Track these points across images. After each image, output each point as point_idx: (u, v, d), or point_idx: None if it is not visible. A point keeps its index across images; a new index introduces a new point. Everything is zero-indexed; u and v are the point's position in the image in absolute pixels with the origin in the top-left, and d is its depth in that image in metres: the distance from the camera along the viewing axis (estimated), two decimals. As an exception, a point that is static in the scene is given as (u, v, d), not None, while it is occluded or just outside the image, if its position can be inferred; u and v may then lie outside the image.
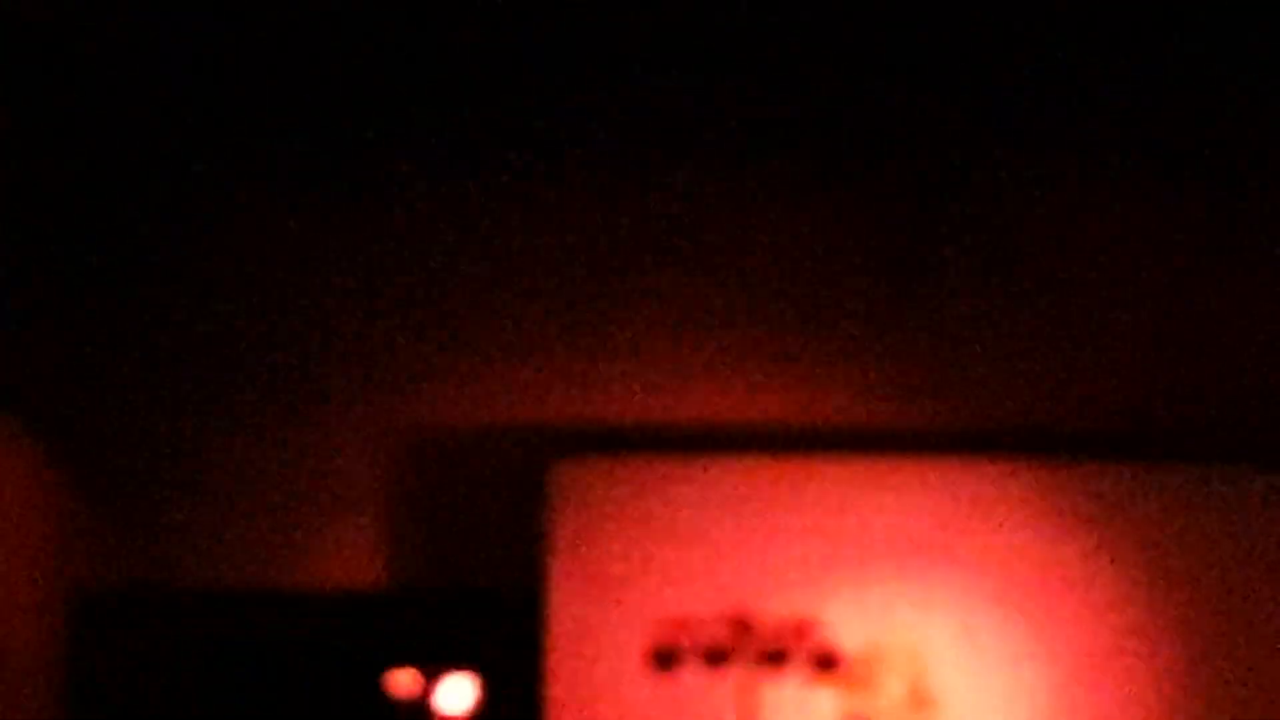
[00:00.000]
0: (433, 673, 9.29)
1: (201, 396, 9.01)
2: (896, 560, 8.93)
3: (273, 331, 8.93)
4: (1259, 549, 8.89)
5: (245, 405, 9.11)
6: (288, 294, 8.86)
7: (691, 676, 8.43)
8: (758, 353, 8.15)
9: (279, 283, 8.84)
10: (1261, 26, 6.91)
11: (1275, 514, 8.91)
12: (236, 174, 8.56)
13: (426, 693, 9.40)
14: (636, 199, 8.49)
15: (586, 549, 8.95)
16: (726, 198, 8.45)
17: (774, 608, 8.58)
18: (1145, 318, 6.78)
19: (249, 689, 9.31)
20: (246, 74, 8.21)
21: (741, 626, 8.40)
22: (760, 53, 7.88)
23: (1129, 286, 7.24)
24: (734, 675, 8.42)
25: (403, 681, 9.17)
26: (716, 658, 8.37)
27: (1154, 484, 8.95)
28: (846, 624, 8.68)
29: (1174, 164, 6.65)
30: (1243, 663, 8.85)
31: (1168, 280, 7.23)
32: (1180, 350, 6.83)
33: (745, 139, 8.19)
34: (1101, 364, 7.15)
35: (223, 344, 8.93)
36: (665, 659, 8.38)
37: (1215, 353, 6.82)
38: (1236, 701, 8.82)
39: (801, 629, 8.45)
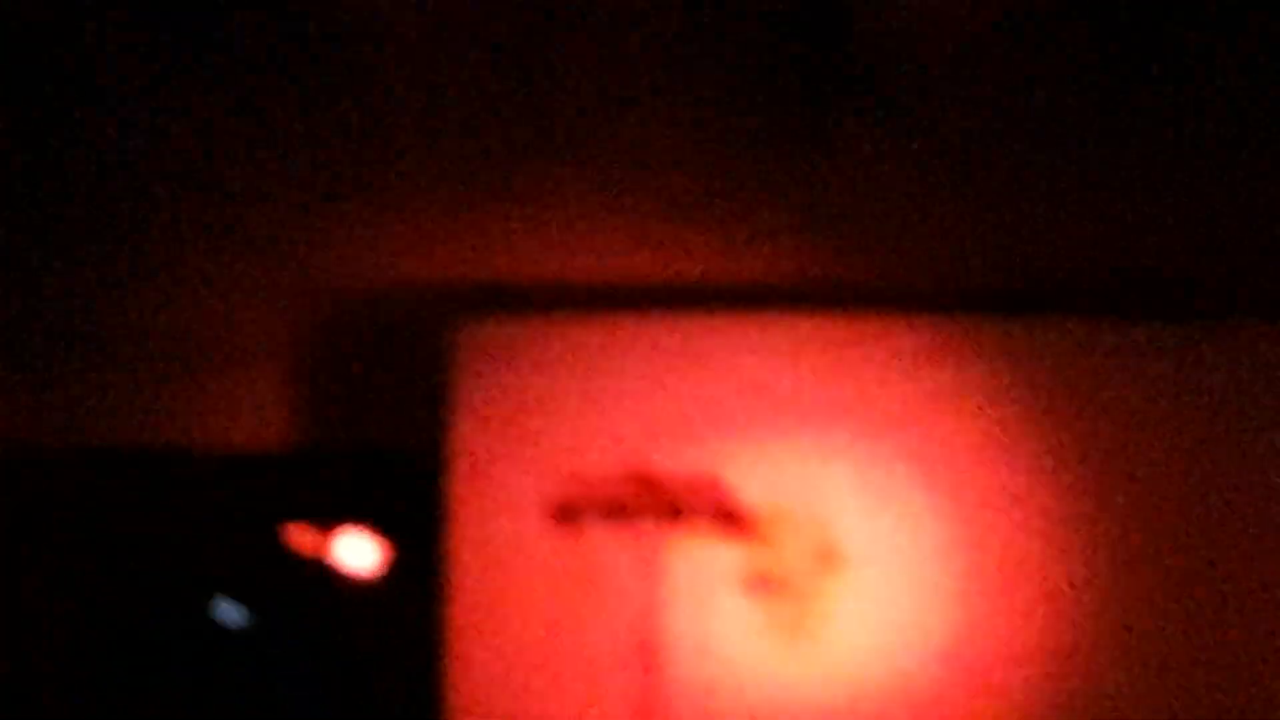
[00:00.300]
0: (335, 531, 9.30)
1: (100, 249, 8.89)
2: (800, 416, 8.94)
3: (175, 184, 8.79)
4: (1153, 400, 8.96)
5: (146, 260, 9.00)
6: (192, 146, 8.71)
7: (594, 533, 8.44)
8: (661, 211, 8.11)
9: (183, 135, 8.69)
10: None
11: (1168, 366, 8.98)
12: (133, 25, 8.39)
13: (328, 551, 9.41)
14: (540, 58, 8.38)
15: (490, 407, 8.93)
16: (629, 55, 8.36)
17: (677, 464, 8.58)
18: (1045, 173, 6.76)
19: (150, 548, 9.28)
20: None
21: (644, 483, 8.40)
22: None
23: (1030, 142, 7.21)
24: (637, 532, 8.43)
25: (305, 540, 9.17)
26: (619, 515, 8.38)
27: (1050, 337, 8.98)
28: (750, 481, 8.70)
29: (1078, 11, 6.60)
30: (1141, 510, 8.94)
31: (1069, 135, 7.19)
32: (1079, 204, 6.82)
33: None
34: (1001, 219, 7.13)
35: (123, 195, 8.79)
36: (568, 516, 8.39)
37: (1113, 207, 6.81)
38: (1135, 547, 8.90)
39: (704, 486, 8.46)
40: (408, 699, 9.13)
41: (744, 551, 8.77)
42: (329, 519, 9.33)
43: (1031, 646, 8.82)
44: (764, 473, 8.83)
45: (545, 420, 8.91)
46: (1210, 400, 8.96)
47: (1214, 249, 7.37)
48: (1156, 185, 6.44)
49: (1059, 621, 8.86)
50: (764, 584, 8.81)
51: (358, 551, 9.40)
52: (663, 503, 8.39)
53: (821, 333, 9.00)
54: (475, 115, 8.43)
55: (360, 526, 9.29)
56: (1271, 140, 6.63)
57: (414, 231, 8.44)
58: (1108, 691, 8.79)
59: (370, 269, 8.57)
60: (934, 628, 8.85)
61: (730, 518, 8.45)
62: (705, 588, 8.78)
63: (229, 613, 9.71)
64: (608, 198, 7.77)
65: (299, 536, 9.15)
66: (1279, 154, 6.40)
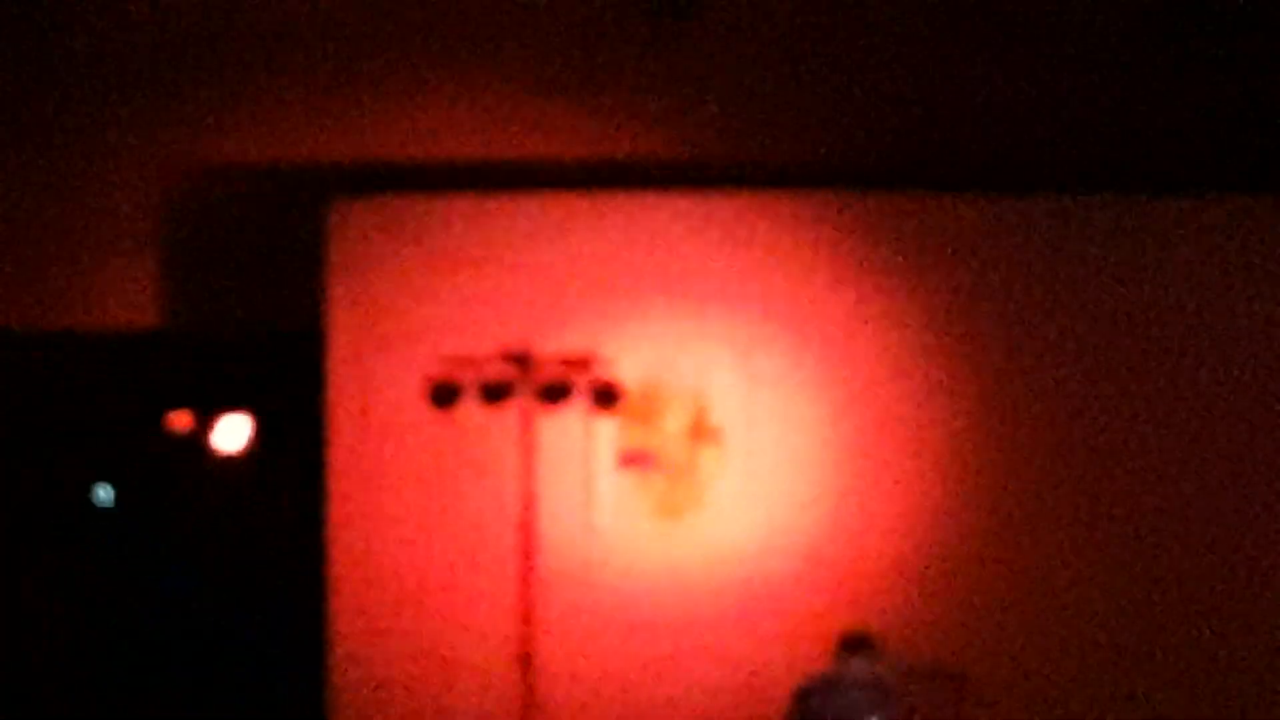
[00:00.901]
0: (210, 412, 9.27)
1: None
2: (677, 295, 8.97)
3: (46, 62, 8.65)
4: (1036, 277, 9.06)
5: (16, 139, 8.89)
6: (63, 23, 8.56)
7: (471, 412, 8.45)
8: (537, 92, 8.08)
9: (53, 11, 8.54)
10: None
11: (1042, 239, 9.07)
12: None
13: (204, 432, 9.38)
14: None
15: (366, 288, 8.90)
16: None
17: (554, 343, 8.59)
18: (910, 49, 6.77)
19: (27, 430, 9.22)
20: None
21: (521, 362, 8.41)
22: None
23: (901, 17, 7.22)
24: (514, 410, 8.45)
25: (180, 421, 9.14)
26: (496, 393, 8.40)
27: (929, 215, 9.06)
28: (627, 359, 8.73)
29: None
30: (1015, 378, 9.05)
31: (929, 19, 7.20)
32: (948, 82, 6.84)
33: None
34: (871, 96, 7.15)
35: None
36: (445, 395, 8.39)
37: (982, 84, 6.84)
38: (1009, 413, 9.04)
39: (581, 364, 8.48)
40: (287, 576, 9.15)
41: (620, 428, 8.82)
42: (206, 401, 9.30)
43: (907, 512, 8.96)
44: (640, 350, 8.87)
45: (422, 300, 8.89)
46: (1084, 272, 9.08)
47: (1070, 126, 7.43)
48: (1017, 65, 6.49)
49: (935, 487, 8.99)
50: (640, 460, 8.86)
51: (235, 431, 9.39)
52: (540, 381, 8.41)
53: (697, 211, 9.01)
54: (348, -3, 8.35)
55: (236, 408, 9.27)
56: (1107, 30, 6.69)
57: (290, 112, 8.38)
58: (985, 544, 8.95)
59: (246, 150, 8.51)
60: (810, 499, 8.94)
61: (607, 396, 8.47)
62: (582, 465, 8.84)
63: (106, 493, 9.68)
64: (485, 77, 7.74)
65: (176, 419, 9.12)
66: (1117, 42, 6.47)
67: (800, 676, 8.16)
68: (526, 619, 8.35)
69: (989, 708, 8.55)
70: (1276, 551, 8.94)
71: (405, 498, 8.84)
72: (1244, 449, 9.01)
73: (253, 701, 9.68)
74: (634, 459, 8.85)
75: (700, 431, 8.93)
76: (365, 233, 8.94)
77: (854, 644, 8.07)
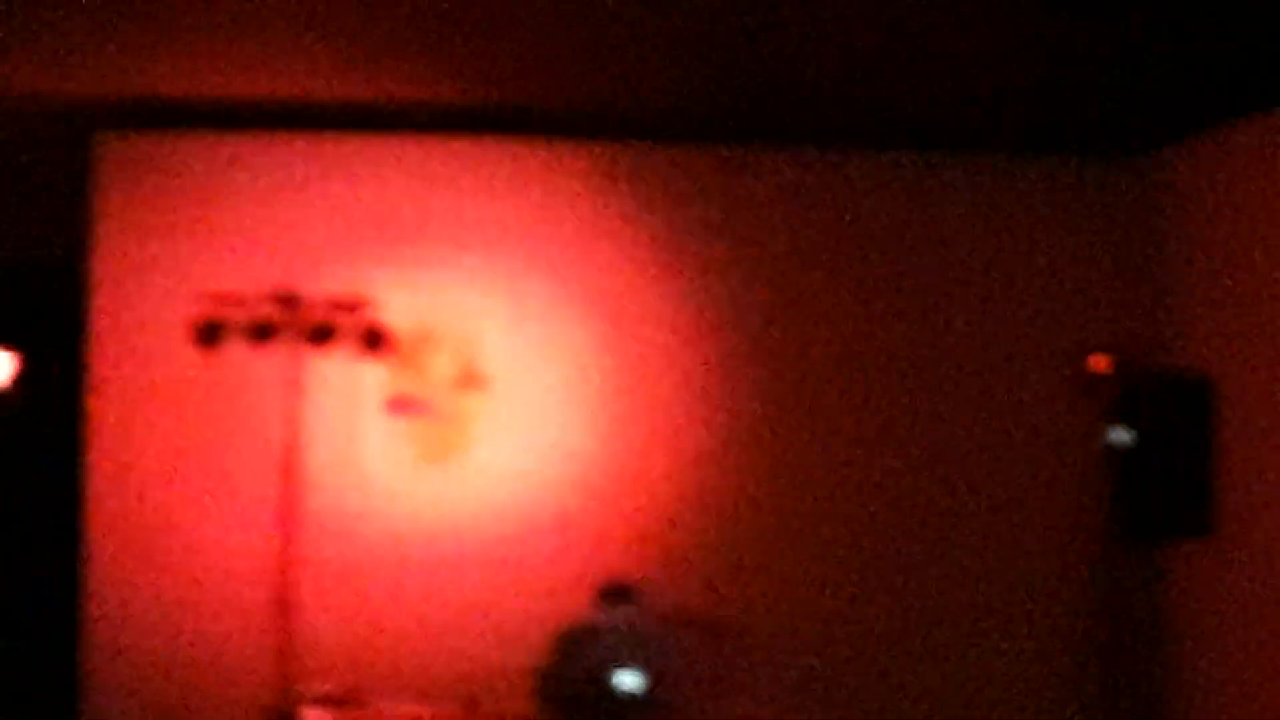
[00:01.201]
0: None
1: None
2: (449, 240, 8.97)
3: None
4: (810, 228, 9.20)
5: None
6: None
7: (237, 351, 8.36)
8: (312, 28, 7.94)
9: None
10: None
11: (825, 191, 9.20)
12: None
13: (-38, 366, 9.18)
14: None
15: (132, 224, 8.78)
16: None
17: (323, 285, 8.54)
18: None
19: None
20: None
21: (289, 303, 8.34)
22: None
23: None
24: (280, 351, 8.37)
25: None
26: (263, 333, 8.32)
27: (703, 166, 9.16)
28: (396, 302, 8.71)
29: None
30: (787, 330, 9.19)
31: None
32: (729, 31, 6.88)
33: None
34: (650, 44, 7.15)
35: None
36: (210, 334, 8.28)
37: (787, 36, 6.87)
38: (776, 362, 9.18)
39: (350, 306, 8.43)
40: (45, 514, 9.01)
41: (387, 372, 8.79)
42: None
43: (673, 461, 9.06)
44: (410, 295, 8.85)
45: (189, 237, 8.79)
46: (860, 224, 9.23)
47: (861, 75, 7.49)
48: (803, 14, 6.53)
49: (702, 438, 9.09)
50: (407, 405, 8.84)
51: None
52: (307, 323, 8.34)
53: (470, 156, 9.04)
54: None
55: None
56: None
57: (55, 45, 8.16)
58: (748, 494, 9.07)
59: (10, 80, 8.29)
60: (577, 447, 9.01)
61: (375, 339, 8.43)
62: (348, 408, 8.81)
63: None
64: (258, 15, 7.59)
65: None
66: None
67: (561, 624, 8.23)
68: (287, 562, 8.31)
69: (749, 657, 8.66)
70: (1047, 504, 9.21)
71: (167, 436, 8.75)
72: (1019, 406, 9.24)
73: (2, 638, 9.52)
74: (401, 404, 8.83)
75: (468, 378, 8.93)
76: (131, 168, 8.82)
77: (615, 592, 8.15)
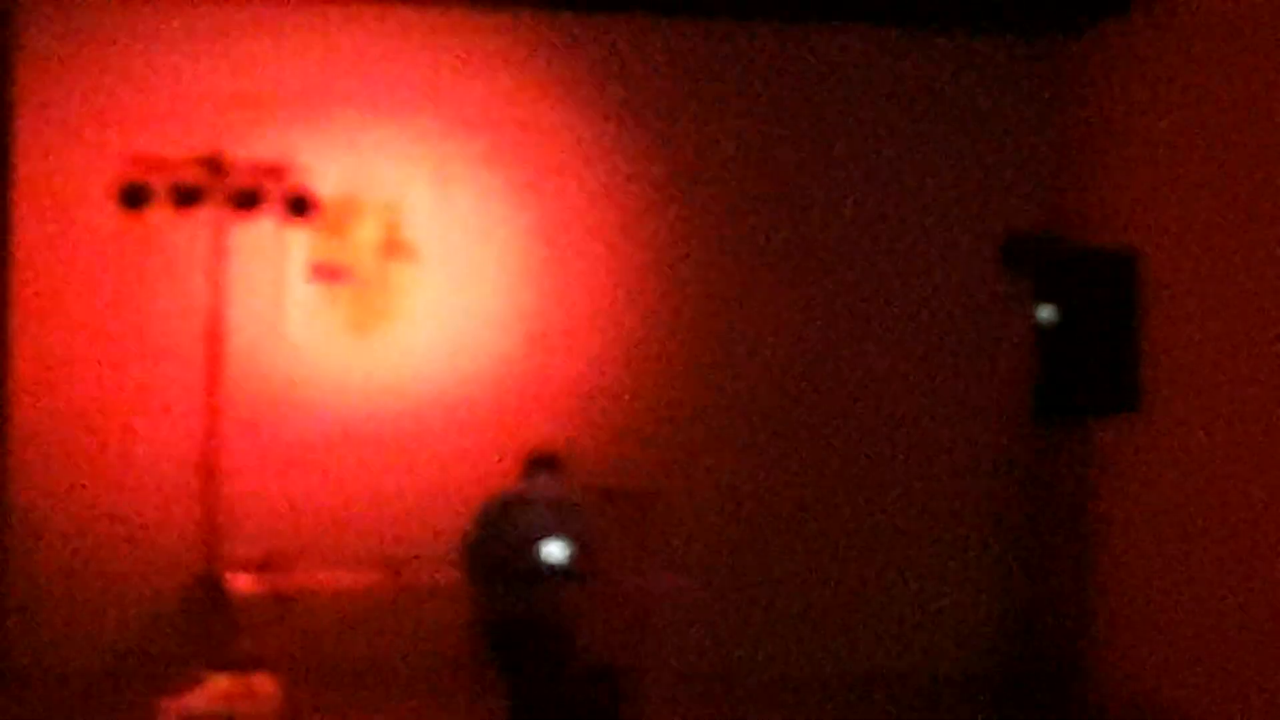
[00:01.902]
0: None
1: None
2: (376, 108, 8.91)
3: None
4: (748, 104, 9.22)
5: None
6: None
7: (161, 215, 8.26)
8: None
9: None
10: None
11: (752, 64, 9.20)
12: None
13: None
14: None
15: (56, 87, 8.68)
16: None
17: (248, 150, 8.43)
18: None
19: None
20: None
21: (214, 167, 8.22)
22: None
23: None
24: (205, 215, 8.28)
25: None
26: (187, 198, 8.20)
27: (625, 35, 9.14)
28: (322, 169, 8.63)
29: None
30: (711, 202, 9.21)
31: None
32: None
33: None
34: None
35: None
36: (135, 197, 8.16)
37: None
38: (700, 234, 9.21)
39: (275, 172, 8.32)
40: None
41: (313, 239, 8.73)
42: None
43: (597, 330, 9.09)
44: (336, 161, 8.79)
45: (114, 101, 8.71)
46: (799, 101, 9.24)
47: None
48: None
49: (626, 307, 9.13)
50: (332, 272, 8.79)
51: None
52: (232, 188, 8.24)
53: (396, 23, 8.96)
54: None
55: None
56: None
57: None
58: (673, 365, 9.12)
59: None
60: (502, 316, 9.02)
61: (301, 205, 8.33)
62: (273, 275, 8.75)
63: None
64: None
65: None
66: None
67: (487, 492, 8.23)
68: (212, 429, 8.26)
69: (675, 525, 8.72)
70: (973, 379, 9.29)
71: (91, 301, 8.70)
72: (947, 282, 9.31)
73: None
74: (326, 271, 8.79)
75: (394, 246, 8.89)
76: (54, 34, 8.71)
77: (541, 461, 8.13)
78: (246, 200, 8.23)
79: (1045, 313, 8.57)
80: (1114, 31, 8.85)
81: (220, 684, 7.62)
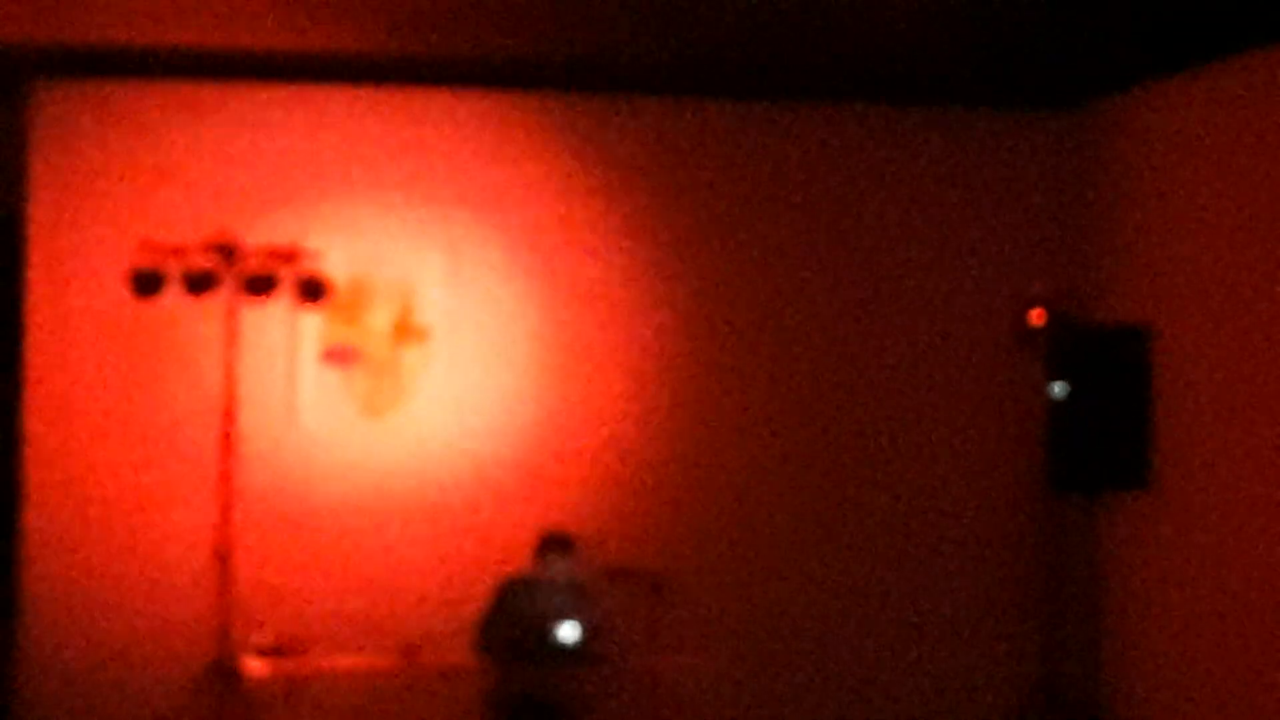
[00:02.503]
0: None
1: None
2: (387, 190, 8.91)
3: None
4: (760, 183, 9.22)
5: None
6: None
7: (174, 301, 8.28)
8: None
9: None
10: None
11: (772, 145, 9.23)
12: None
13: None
14: None
15: (68, 173, 8.69)
16: None
17: (260, 235, 8.46)
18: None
19: None
20: None
21: (226, 252, 8.25)
22: None
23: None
24: (218, 301, 8.30)
25: None
26: (200, 283, 8.22)
27: (644, 117, 9.16)
28: (334, 253, 8.65)
29: None
30: (727, 284, 9.21)
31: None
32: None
33: None
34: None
35: None
36: (147, 284, 8.18)
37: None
38: (715, 316, 9.20)
39: (288, 256, 8.34)
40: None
41: (325, 324, 8.75)
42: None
43: (611, 413, 9.05)
44: (348, 245, 8.80)
45: (126, 187, 8.71)
46: (811, 181, 9.24)
47: (806, 29, 7.44)
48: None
49: (639, 390, 9.09)
50: (344, 356, 8.80)
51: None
52: (244, 273, 8.26)
53: (410, 106, 8.98)
54: None
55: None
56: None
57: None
58: (685, 447, 9.09)
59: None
60: (515, 399, 8.99)
61: (313, 289, 8.35)
62: (285, 359, 8.77)
63: None
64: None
65: None
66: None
67: (501, 574, 8.24)
68: (226, 515, 8.26)
69: (686, 609, 8.72)
70: (985, 456, 9.28)
71: (104, 388, 8.68)
72: (959, 359, 9.30)
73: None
74: (338, 355, 8.79)
75: (406, 329, 8.90)
76: (68, 116, 8.72)
77: (554, 544, 8.17)
78: (259, 285, 8.24)
79: (1058, 388, 8.58)
80: (1124, 105, 8.88)
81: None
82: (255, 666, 7.89)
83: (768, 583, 9.10)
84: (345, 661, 8.16)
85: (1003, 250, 9.32)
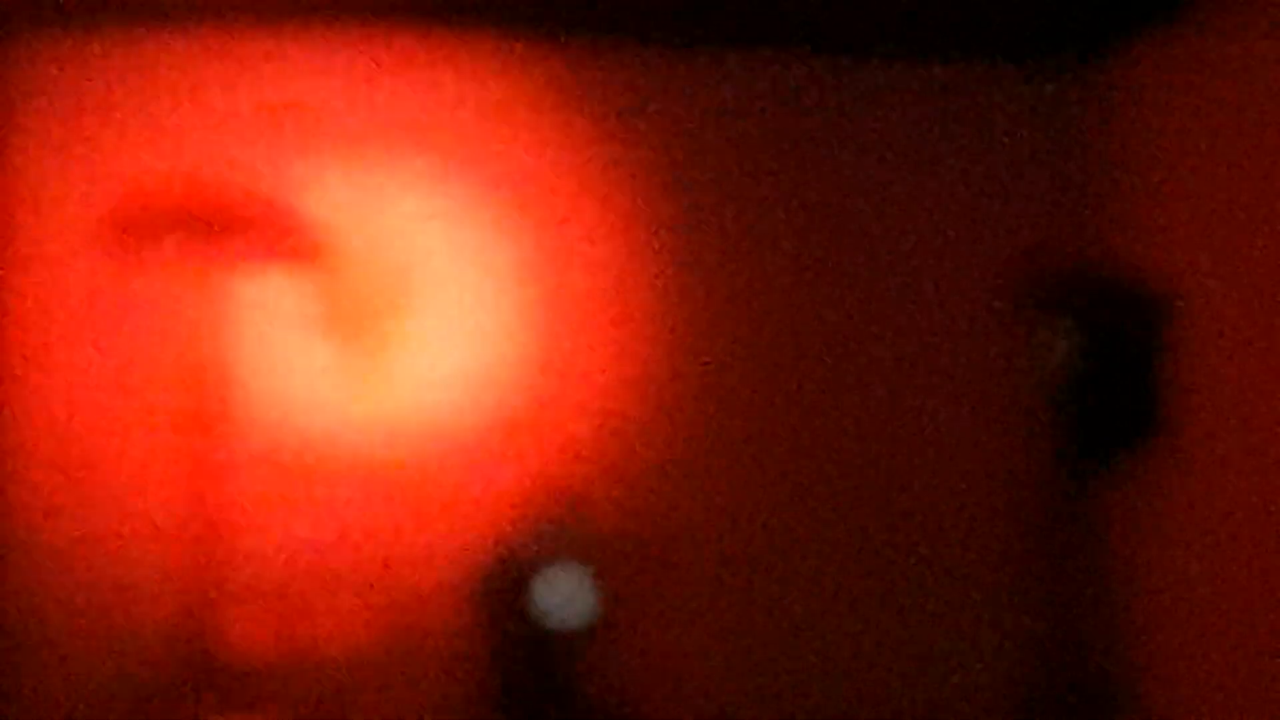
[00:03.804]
0: None
1: None
2: (374, 143, 8.76)
3: None
4: (758, 136, 9.05)
5: None
6: None
7: (153, 258, 8.17)
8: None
9: None
10: None
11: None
12: None
13: None
14: None
15: (41, 126, 8.54)
16: None
17: (240, 186, 8.37)
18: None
19: None
20: None
21: (207, 206, 8.13)
22: None
23: None
24: (198, 257, 8.20)
25: None
26: (180, 239, 8.11)
27: (646, 69, 8.99)
28: (321, 208, 8.53)
29: None
30: (722, 238, 9.04)
31: None
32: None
33: None
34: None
35: None
36: (127, 239, 8.08)
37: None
38: (712, 273, 9.02)
39: (269, 210, 8.23)
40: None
41: (309, 280, 8.61)
42: None
43: (606, 376, 8.90)
44: (336, 199, 8.64)
45: (102, 139, 8.56)
46: (811, 134, 9.10)
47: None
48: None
49: (635, 351, 8.95)
50: (329, 314, 8.67)
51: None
52: (226, 226, 8.15)
53: (396, 53, 8.81)
54: None
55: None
56: None
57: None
58: (684, 409, 8.93)
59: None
60: (508, 362, 8.83)
61: (296, 243, 8.25)
62: (271, 317, 8.60)
63: None
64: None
65: None
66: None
67: (495, 544, 8.17)
68: (212, 482, 8.14)
69: (689, 572, 8.63)
70: (994, 419, 9.11)
71: (83, 351, 8.54)
72: (970, 319, 9.15)
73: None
74: (322, 312, 8.65)
75: (396, 287, 8.74)
76: (42, 68, 8.58)
77: (551, 510, 8.13)
78: (240, 238, 8.14)
79: (1067, 349, 8.49)
80: (1137, 53, 8.73)
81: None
82: (243, 637, 7.82)
83: (769, 546, 8.99)
84: (333, 628, 8.08)
85: (1016, 206, 9.22)
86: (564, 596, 7.73)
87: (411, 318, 8.73)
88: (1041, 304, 8.77)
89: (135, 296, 8.48)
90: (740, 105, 9.07)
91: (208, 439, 8.16)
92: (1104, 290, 8.67)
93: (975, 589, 9.11)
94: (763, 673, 8.94)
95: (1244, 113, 7.79)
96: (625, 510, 8.66)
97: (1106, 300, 8.57)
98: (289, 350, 8.61)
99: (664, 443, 8.92)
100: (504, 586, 7.89)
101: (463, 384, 8.76)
